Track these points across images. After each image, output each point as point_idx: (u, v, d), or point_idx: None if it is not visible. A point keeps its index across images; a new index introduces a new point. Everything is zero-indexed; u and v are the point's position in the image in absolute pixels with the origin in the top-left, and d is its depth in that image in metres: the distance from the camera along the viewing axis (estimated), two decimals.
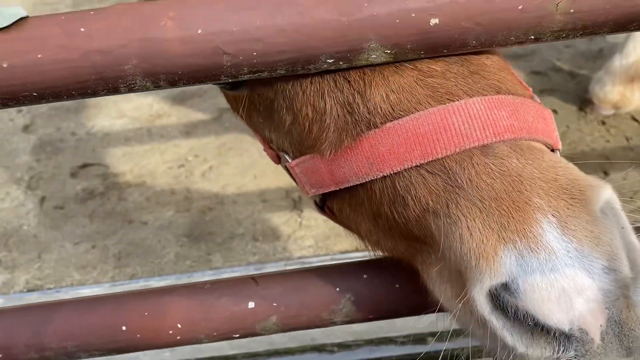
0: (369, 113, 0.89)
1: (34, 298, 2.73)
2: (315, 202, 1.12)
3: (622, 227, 0.83)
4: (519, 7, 0.78)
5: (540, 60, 3.91)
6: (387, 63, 0.85)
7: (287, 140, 1.05)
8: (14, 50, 0.77)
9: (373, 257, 1.12)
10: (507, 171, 0.82)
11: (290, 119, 1.00)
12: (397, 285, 1.07)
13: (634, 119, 3.40)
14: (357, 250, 2.81)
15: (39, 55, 0.77)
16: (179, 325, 1.03)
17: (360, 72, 0.90)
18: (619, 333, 0.79)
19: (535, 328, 0.79)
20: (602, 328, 0.78)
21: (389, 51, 0.80)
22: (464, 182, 0.83)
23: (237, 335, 1.07)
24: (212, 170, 3.44)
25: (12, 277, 2.95)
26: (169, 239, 3.03)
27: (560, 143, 0.97)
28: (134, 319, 1.03)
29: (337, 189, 0.97)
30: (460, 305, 0.84)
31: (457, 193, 0.83)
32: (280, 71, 0.82)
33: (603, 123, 3.40)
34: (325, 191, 1.01)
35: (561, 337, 0.78)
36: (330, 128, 0.94)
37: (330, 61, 0.81)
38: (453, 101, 0.85)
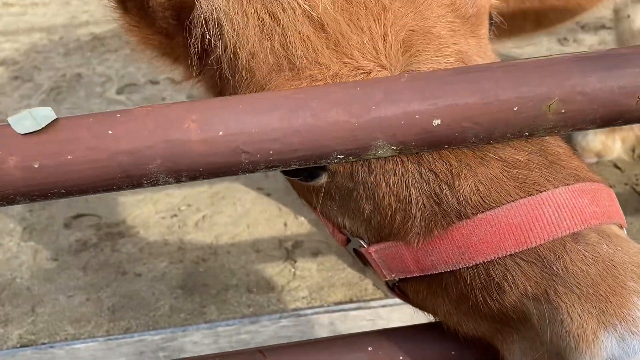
0: (458, 204, 0.94)
1: (28, 354, 2.71)
2: (387, 283, 1.15)
3: None
4: (515, 109, 0.85)
5: None
6: (392, 156, 0.91)
7: (363, 227, 1.10)
8: (45, 152, 0.82)
9: (376, 329, 1.16)
10: (600, 257, 0.87)
11: (371, 208, 1.04)
12: (401, 358, 1.11)
13: (616, 167, 3.51)
14: (351, 301, 2.85)
15: (69, 157, 0.82)
16: None
17: (445, 163, 0.96)
18: None
19: None
20: None
21: (394, 147, 0.86)
22: (560, 270, 0.87)
23: None
24: (205, 220, 3.48)
25: (5, 331, 2.93)
26: (163, 291, 3.04)
27: (624, 220, 1.01)
28: None
29: (421, 275, 1.01)
30: None
31: (554, 280, 0.88)
32: (294, 166, 0.88)
33: None
34: (407, 276, 1.04)
35: None
36: (416, 218, 0.99)
37: (341, 157, 0.87)
38: (540, 192, 0.91)
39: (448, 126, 0.85)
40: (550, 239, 0.88)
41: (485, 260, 0.92)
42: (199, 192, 3.69)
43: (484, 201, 0.92)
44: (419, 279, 1.04)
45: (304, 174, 1.06)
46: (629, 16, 3.14)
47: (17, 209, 3.70)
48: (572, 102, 0.85)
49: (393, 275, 1.07)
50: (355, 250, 1.16)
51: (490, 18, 1.16)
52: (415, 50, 0.99)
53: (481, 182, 0.93)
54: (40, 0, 6.88)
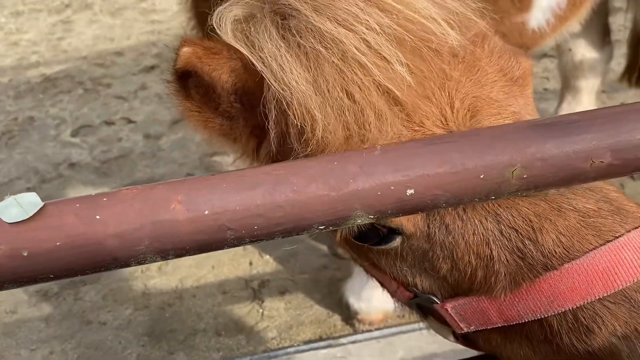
0: (544, 257, 0.99)
1: None
2: (456, 334, 1.17)
3: None
4: (481, 176, 0.91)
5: None
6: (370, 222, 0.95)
7: (437, 284, 1.12)
8: (34, 240, 0.84)
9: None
10: None
11: (448, 267, 1.07)
12: None
13: None
14: (320, 339, 2.87)
15: (58, 243, 0.84)
16: None
17: (525, 220, 1.00)
18: None
19: None
20: None
21: (372, 216, 0.91)
22: None
23: None
24: (169, 263, 3.45)
25: None
26: (129, 339, 3.00)
27: None
28: None
29: (505, 325, 1.05)
30: None
31: None
32: (277, 238, 0.91)
33: None
34: (488, 327, 1.07)
35: None
36: (500, 273, 1.03)
37: (322, 227, 0.91)
38: (616, 237, 0.97)
39: (421, 195, 0.90)
40: (635, 280, 0.95)
41: (575, 307, 0.98)
42: None
43: (568, 252, 0.98)
44: (496, 328, 1.08)
45: (375, 240, 1.07)
46: (570, 49, 3.32)
47: None
48: (533, 168, 0.92)
49: (472, 328, 1.10)
50: (418, 304, 1.18)
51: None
52: (480, 115, 1.06)
53: (562, 234, 0.99)
54: None
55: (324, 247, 3.44)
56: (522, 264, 1.01)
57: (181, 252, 0.89)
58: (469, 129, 1.02)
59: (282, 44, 1.04)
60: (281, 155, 1.14)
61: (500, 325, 1.06)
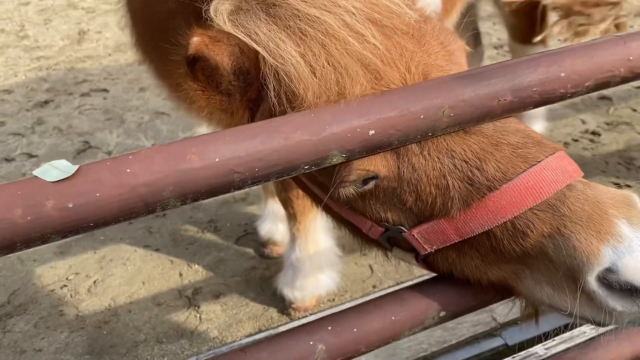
0: (487, 181, 1.26)
1: None
2: (417, 258, 1.43)
3: None
4: (421, 117, 1.19)
5: None
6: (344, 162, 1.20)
7: (404, 215, 1.37)
8: (76, 193, 1.00)
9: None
10: (589, 198, 1.21)
11: (413, 199, 1.33)
12: (355, 330, 1.39)
13: None
14: (260, 331, 3.04)
15: (97, 194, 1.01)
16: None
17: (473, 153, 1.27)
18: None
19: (631, 291, 1.16)
20: None
21: (345, 155, 1.16)
22: (566, 211, 1.21)
23: None
24: (97, 284, 3.48)
25: None
26: None
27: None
28: None
29: (460, 240, 1.31)
30: (573, 293, 1.20)
31: (563, 219, 1.21)
32: (272, 179, 1.13)
33: None
34: (446, 245, 1.33)
35: None
36: (455, 198, 1.29)
37: (306, 167, 1.14)
38: (539, 162, 1.24)
39: (380, 134, 1.16)
40: (554, 192, 1.22)
41: (512, 217, 1.24)
42: (84, 259, 3.68)
43: (505, 175, 1.25)
44: (450, 246, 1.34)
45: (358, 184, 1.31)
46: None
47: None
48: (457, 107, 1.21)
49: (434, 248, 1.35)
50: (388, 238, 1.43)
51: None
52: (430, 77, 1.32)
53: (500, 162, 1.26)
54: None
55: (251, 250, 3.63)
56: (471, 188, 1.28)
57: (197, 195, 1.08)
58: (406, 86, 1.29)
59: (274, 27, 1.30)
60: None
61: (456, 242, 1.32)
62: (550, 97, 1.31)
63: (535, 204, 1.23)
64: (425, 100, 1.20)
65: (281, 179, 1.15)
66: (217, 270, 3.49)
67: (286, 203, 2.91)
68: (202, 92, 1.34)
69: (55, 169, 1.02)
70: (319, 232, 3.04)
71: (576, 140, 4.43)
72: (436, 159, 1.29)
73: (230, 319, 3.15)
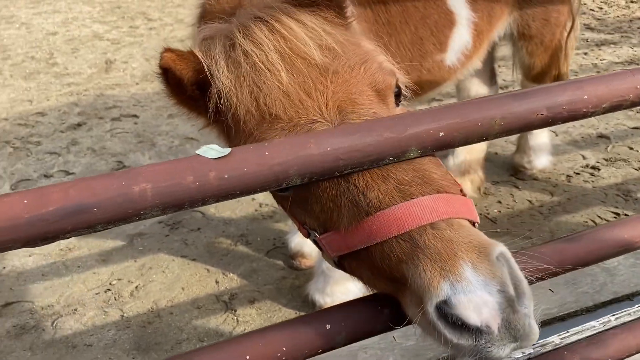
0: (367, 206, 1.46)
1: None
2: (334, 261, 1.67)
3: (511, 267, 1.38)
4: (479, 124, 1.54)
5: None
6: (419, 157, 1.54)
7: (315, 223, 1.64)
8: (230, 167, 1.34)
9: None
10: (444, 237, 1.38)
11: (319, 209, 1.59)
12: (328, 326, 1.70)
13: None
14: None
15: (245, 169, 1.34)
16: None
17: (364, 180, 1.47)
18: (509, 328, 1.30)
19: (462, 327, 1.30)
20: (499, 325, 1.29)
21: (420, 150, 1.50)
22: (422, 244, 1.38)
23: None
24: (139, 289, 3.76)
25: None
26: (119, 355, 3.27)
27: (478, 218, 1.55)
28: None
29: (349, 252, 1.55)
30: (420, 316, 1.40)
31: (417, 251, 1.38)
32: (365, 166, 1.47)
33: None
34: (342, 254, 1.58)
35: (476, 331, 1.29)
36: (344, 215, 1.51)
37: (391, 158, 1.48)
38: (413, 199, 1.43)
39: (447, 136, 1.51)
40: (417, 226, 1.39)
41: (382, 240, 1.42)
42: (125, 266, 3.97)
43: (381, 204, 1.44)
44: (350, 255, 1.54)
45: (284, 191, 1.57)
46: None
47: None
48: (506, 119, 1.56)
49: (335, 254, 1.57)
50: (313, 239, 1.69)
51: (399, 92, 1.76)
52: (345, 112, 1.60)
53: (381, 193, 1.45)
54: None
55: (280, 262, 3.93)
56: (356, 210, 1.48)
57: (312, 175, 1.42)
58: (469, 100, 1.64)
59: (223, 55, 1.67)
60: (227, 129, 1.73)
61: (348, 252, 1.52)
62: (576, 114, 1.66)
63: (399, 233, 1.41)
64: (483, 111, 1.55)
65: (369, 168, 1.49)
66: (251, 279, 3.79)
67: None
68: (175, 96, 1.73)
69: (213, 150, 1.36)
70: None
71: (578, 174, 4.80)
72: (336, 179, 1.51)
73: (265, 321, 3.44)
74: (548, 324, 3.12)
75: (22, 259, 4.08)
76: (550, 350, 2.30)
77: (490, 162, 4.85)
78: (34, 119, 6.20)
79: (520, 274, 1.39)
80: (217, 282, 3.79)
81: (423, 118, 1.50)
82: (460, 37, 3.01)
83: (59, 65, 7.62)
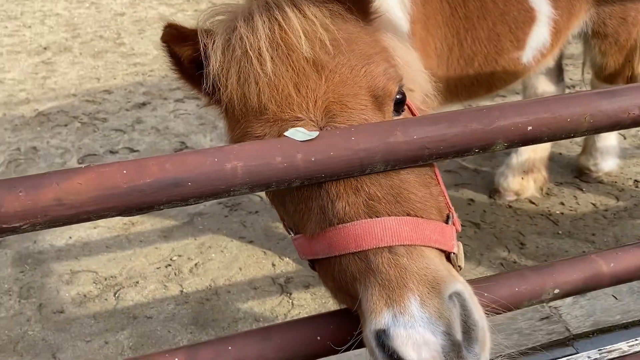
0: (332, 216, 1.40)
1: None
2: (309, 263, 1.64)
3: (466, 309, 1.30)
4: (568, 120, 1.51)
5: (450, 161, 4.86)
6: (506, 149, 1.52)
7: (291, 222, 1.60)
8: (318, 150, 1.35)
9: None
10: (399, 265, 1.31)
11: (293, 209, 1.54)
12: (485, 294, 1.69)
13: (532, 202, 4.37)
14: None
15: (331, 153, 1.36)
16: None
17: (337, 188, 1.40)
18: None
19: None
20: None
21: (506, 144, 1.48)
22: (375, 267, 1.33)
23: None
24: (198, 267, 3.85)
25: None
26: (177, 329, 3.36)
27: (455, 248, 1.47)
28: None
29: (315, 258, 1.48)
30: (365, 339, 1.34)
31: (370, 272, 1.33)
32: (450, 157, 1.46)
33: (510, 206, 4.33)
34: (309, 258, 1.54)
35: None
36: (312, 220, 1.45)
37: (477, 151, 1.47)
38: (378, 217, 1.36)
39: (535, 131, 1.49)
40: (374, 247, 1.33)
41: (340, 254, 1.38)
42: (185, 243, 4.07)
43: (345, 217, 1.38)
44: (317, 262, 1.50)
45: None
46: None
47: (8, 271, 3.86)
48: (595, 116, 1.53)
49: (303, 257, 1.52)
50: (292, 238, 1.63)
51: (402, 99, 1.59)
52: (332, 114, 1.46)
53: (348, 204, 1.39)
54: None
55: None
56: (323, 217, 1.43)
57: (397, 163, 1.42)
58: (558, 95, 1.61)
59: (222, 37, 1.61)
60: (224, 112, 1.67)
61: (312, 258, 1.48)
62: None
63: (356, 250, 1.36)
64: (573, 107, 1.52)
65: (451, 157, 1.48)
66: (306, 264, 3.82)
67: None
68: (175, 70, 1.69)
69: (300, 133, 1.38)
70: None
71: None
72: (308, 185, 1.44)
73: (319, 306, 3.47)
74: (610, 330, 3.05)
75: (88, 230, 4.23)
76: (616, 357, 2.25)
77: (555, 163, 4.73)
78: (101, 96, 6.40)
79: (477, 318, 1.33)
80: (273, 264, 3.84)
81: (511, 111, 1.49)
82: (539, 34, 2.94)
83: (125, 45, 7.83)
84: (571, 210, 4.30)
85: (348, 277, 1.39)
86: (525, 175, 4.33)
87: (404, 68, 1.75)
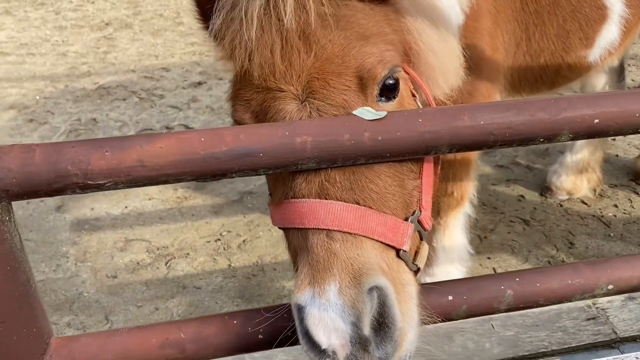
0: (290, 189, 1.46)
1: None
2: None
3: (386, 305, 1.34)
4: (637, 115, 1.50)
5: (502, 156, 4.81)
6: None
7: (271, 187, 1.65)
8: (384, 130, 1.39)
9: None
10: (331, 249, 1.37)
11: (270, 176, 1.60)
12: (538, 284, 1.70)
13: (584, 202, 4.30)
14: None
15: (398, 133, 1.39)
16: None
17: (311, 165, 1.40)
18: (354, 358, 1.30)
19: (310, 337, 1.31)
20: (346, 356, 1.30)
21: (572, 135, 1.49)
22: (309, 246, 1.40)
23: None
24: (246, 243, 3.95)
25: None
26: (224, 301, 3.47)
27: (407, 245, 1.47)
28: None
29: (276, 226, 1.55)
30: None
31: (306, 250, 1.41)
32: (515, 145, 1.48)
33: (561, 205, 4.28)
34: (278, 226, 1.55)
35: (322, 351, 1.30)
36: (279, 190, 1.52)
37: (542, 140, 1.48)
38: (326, 199, 1.41)
39: (602, 124, 1.49)
40: (314, 227, 1.40)
41: (288, 227, 1.47)
42: (234, 220, 4.17)
43: (298, 193, 1.44)
44: (283, 229, 1.55)
45: None
46: None
47: (66, 234, 4.04)
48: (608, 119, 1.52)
49: (277, 225, 1.56)
50: None
51: (394, 85, 1.54)
52: (311, 91, 1.47)
53: (305, 182, 1.43)
54: (37, 50, 7.23)
55: None
56: (284, 188, 1.49)
57: (461, 147, 1.45)
58: (627, 90, 1.60)
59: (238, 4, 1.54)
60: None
61: (279, 227, 1.55)
62: None
63: (299, 227, 1.44)
64: (633, 105, 1.51)
65: (515, 145, 1.50)
66: None
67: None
68: (198, 20, 1.74)
69: (369, 112, 1.42)
70: (457, 229, 3.35)
71: None
72: None
73: None
74: None
75: (143, 201, 4.38)
76: None
77: (610, 164, 4.64)
78: (159, 73, 6.56)
79: (396, 317, 1.35)
80: None
81: (578, 103, 1.49)
82: (609, 33, 2.89)
83: (184, 24, 7.98)
84: (625, 213, 4.21)
85: (292, 250, 1.50)
86: (579, 175, 4.26)
87: (424, 54, 1.71)
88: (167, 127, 5.40)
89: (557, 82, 3.00)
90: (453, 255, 3.39)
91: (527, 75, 2.91)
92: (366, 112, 1.42)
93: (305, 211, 1.41)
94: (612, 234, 3.98)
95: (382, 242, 1.43)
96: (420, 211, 1.56)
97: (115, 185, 1.27)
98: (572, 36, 2.78)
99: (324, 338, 1.30)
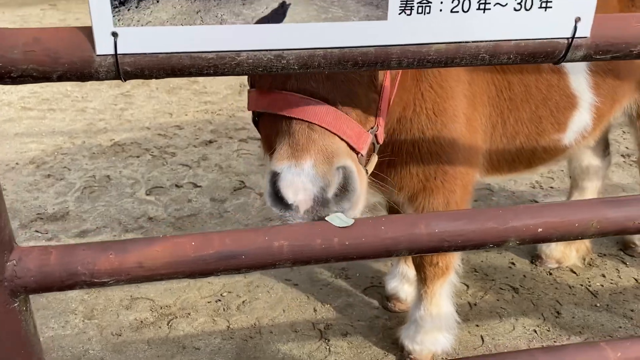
0: (283, 82, 1.70)
1: None
2: (253, 120, 1.96)
3: (348, 178, 1.70)
4: (575, 225, 1.71)
5: None
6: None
7: (253, 78, 1.88)
8: (352, 236, 1.61)
9: None
10: (311, 137, 1.66)
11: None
12: None
13: (572, 271, 4.46)
14: None
15: (363, 239, 1.61)
16: None
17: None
18: (313, 215, 1.66)
19: (281, 198, 1.65)
20: (306, 209, 1.65)
21: (518, 242, 1.70)
22: (292, 131, 1.67)
23: None
24: (245, 304, 4.13)
25: None
26: None
27: (363, 149, 1.79)
28: None
29: (256, 110, 1.83)
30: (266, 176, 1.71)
31: (288, 134, 1.68)
32: (468, 249, 1.69)
33: (550, 274, 4.44)
34: (252, 109, 1.86)
35: (288, 205, 1.65)
36: (267, 77, 1.74)
37: (491, 245, 1.69)
38: (314, 98, 1.68)
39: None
40: (300, 118, 1.67)
41: (274, 112, 1.71)
42: (235, 281, 4.37)
43: (292, 87, 1.69)
44: (260, 115, 1.84)
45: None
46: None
47: (75, 292, 4.25)
48: (604, 223, 1.72)
49: (250, 109, 1.85)
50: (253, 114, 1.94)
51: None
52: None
53: (297, 77, 1.68)
54: (57, 106, 7.61)
55: (375, 301, 4.16)
56: (275, 78, 1.71)
57: (419, 251, 1.66)
58: (568, 201, 1.81)
59: None
60: None
61: (254, 110, 1.83)
62: None
63: (285, 114, 1.69)
64: (581, 214, 1.72)
65: (467, 250, 1.71)
66: (346, 313, 4.05)
67: (419, 268, 3.43)
68: None
69: (339, 219, 1.65)
70: (443, 297, 3.52)
71: None
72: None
73: (354, 356, 3.68)
74: None
75: None
76: None
77: None
78: (172, 131, 6.88)
79: (357, 187, 1.72)
80: (315, 310, 4.08)
81: (523, 214, 1.70)
82: (581, 119, 3.12)
83: (199, 83, 8.36)
84: (612, 283, 4.36)
85: (273, 132, 1.75)
86: (568, 244, 4.43)
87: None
88: (176, 185, 5.67)
89: (534, 163, 3.22)
90: (440, 323, 3.55)
91: (505, 156, 3.14)
92: (337, 219, 1.64)
93: (294, 103, 1.67)
94: (598, 304, 4.12)
95: (348, 144, 1.74)
96: (377, 127, 1.88)
97: (117, 283, 1.50)
98: (545, 121, 3.02)
99: (291, 195, 1.64)
